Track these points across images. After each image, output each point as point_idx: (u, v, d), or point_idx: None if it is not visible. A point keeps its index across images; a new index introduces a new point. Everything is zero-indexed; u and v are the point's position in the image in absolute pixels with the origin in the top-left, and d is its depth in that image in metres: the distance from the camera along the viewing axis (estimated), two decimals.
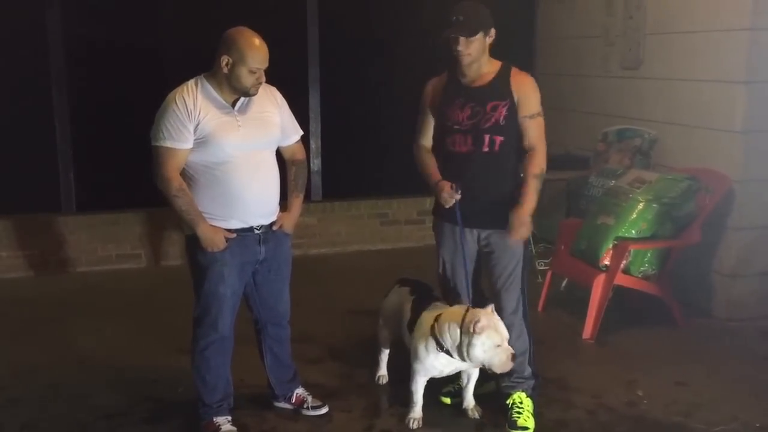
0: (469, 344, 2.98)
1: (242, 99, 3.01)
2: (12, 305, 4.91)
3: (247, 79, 2.92)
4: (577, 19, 6.03)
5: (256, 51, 2.91)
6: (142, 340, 4.29)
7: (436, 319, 3.12)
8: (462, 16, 3.08)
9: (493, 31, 3.15)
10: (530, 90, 3.17)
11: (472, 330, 2.96)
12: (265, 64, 2.94)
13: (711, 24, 4.53)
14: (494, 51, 3.23)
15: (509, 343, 3.05)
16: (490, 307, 3.08)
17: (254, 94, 3.00)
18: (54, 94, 5.62)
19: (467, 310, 3.08)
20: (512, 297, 3.27)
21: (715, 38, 4.50)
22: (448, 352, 3.09)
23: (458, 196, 3.20)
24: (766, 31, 4.29)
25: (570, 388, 3.69)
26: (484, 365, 3.05)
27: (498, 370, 3.05)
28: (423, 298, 3.41)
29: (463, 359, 3.07)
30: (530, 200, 3.15)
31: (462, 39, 3.08)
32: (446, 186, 3.22)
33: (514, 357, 3.02)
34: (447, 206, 3.25)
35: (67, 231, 5.62)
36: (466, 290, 3.33)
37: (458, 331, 3.02)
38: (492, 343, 2.98)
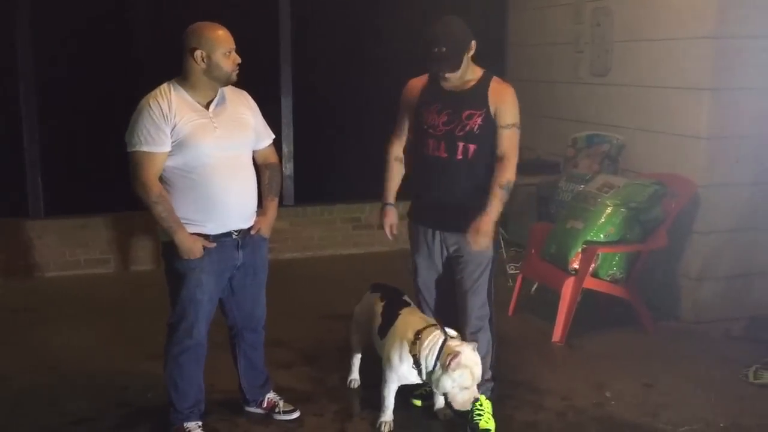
0: (441, 377, 3.02)
1: (216, 101, 3.01)
2: None
3: (225, 63, 2.93)
4: (547, 27, 6.10)
5: (222, 34, 2.96)
6: (112, 346, 4.24)
7: (417, 335, 3.12)
8: (444, 46, 3.04)
9: (473, 44, 3.15)
10: (508, 101, 3.18)
11: (447, 364, 2.99)
12: (234, 44, 2.97)
13: (677, 32, 4.61)
14: None
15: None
16: (473, 345, 3.09)
17: (235, 80, 3.01)
18: (21, 97, 5.55)
19: (446, 337, 3.09)
20: (478, 301, 3.30)
21: (681, 46, 4.58)
22: (420, 371, 3.13)
23: (395, 232, 3.41)
24: (730, 39, 4.38)
25: (540, 391, 3.73)
26: (446, 396, 3.10)
27: (456, 407, 3.10)
28: (393, 303, 3.43)
29: (429, 383, 3.13)
30: (494, 210, 3.15)
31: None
32: (389, 219, 3.44)
33: (476, 401, 3.12)
34: (383, 230, 3.46)
35: (34, 236, 5.55)
36: (435, 294, 3.43)
37: (435, 359, 3.05)
38: (462, 383, 3.02)
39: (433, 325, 3.17)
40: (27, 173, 5.63)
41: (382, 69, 6.08)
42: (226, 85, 3.02)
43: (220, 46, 2.92)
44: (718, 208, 4.53)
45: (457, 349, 3.01)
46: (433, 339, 3.08)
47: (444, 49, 3.05)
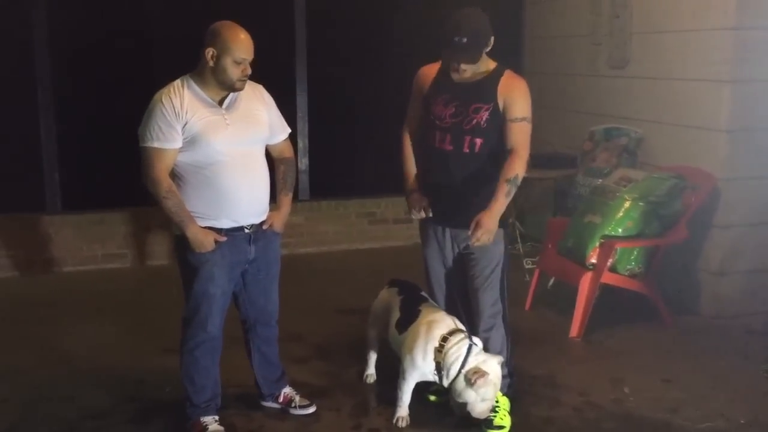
0: (465, 389, 3.05)
1: (230, 97, 3.00)
2: None
3: (233, 71, 2.90)
4: (565, 19, 6.05)
5: (240, 41, 2.90)
6: (129, 340, 4.26)
7: (443, 342, 3.10)
8: (465, 37, 2.97)
9: (492, 40, 3.08)
10: (518, 94, 3.12)
11: (473, 382, 3.01)
12: (250, 55, 2.93)
13: (697, 23, 4.56)
14: None
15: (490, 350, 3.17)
16: (498, 359, 3.12)
17: (240, 89, 2.98)
18: (39, 92, 5.57)
19: (471, 348, 3.07)
20: (490, 298, 3.27)
21: (701, 37, 4.52)
22: (441, 377, 3.14)
23: (428, 215, 3.21)
24: (751, 30, 4.32)
25: (557, 386, 3.71)
26: (466, 406, 3.11)
27: (474, 415, 3.12)
28: (411, 298, 3.42)
29: (449, 390, 3.13)
30: (498, 204, 3.07)
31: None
32: (417, 203, 3.23)
33: (493, 409, 3.15)
34: (414, 218, 3.26)
35: (52, 231, 5.58)
36: (445, 290, 3.42)
37: (458, 369, 3.05)
38: (484, 396, 3.05)
39: (459, 330, 3.15)
40: (44, 169, 5.66)
41: (397, 63, 6.05)
42: (229, 91, 2.97)
43: (232, 53, 2.87)
44: (738, 202, 4.47)
45: (485, 368, 3.02)
46: (459, 349, 3.07)
47: (465, 40, 2.98)
